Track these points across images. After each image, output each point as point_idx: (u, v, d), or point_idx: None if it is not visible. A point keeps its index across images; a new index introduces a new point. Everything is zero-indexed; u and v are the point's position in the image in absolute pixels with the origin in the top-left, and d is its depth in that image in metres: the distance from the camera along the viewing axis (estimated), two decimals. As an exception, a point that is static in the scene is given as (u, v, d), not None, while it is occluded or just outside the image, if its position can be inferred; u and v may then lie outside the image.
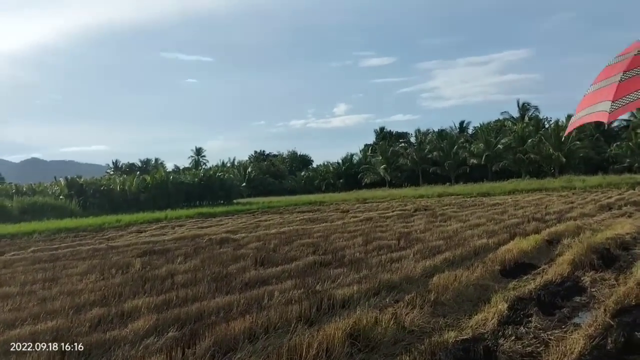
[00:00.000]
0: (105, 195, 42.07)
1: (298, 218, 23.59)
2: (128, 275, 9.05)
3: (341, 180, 69.56)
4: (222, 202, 47.13)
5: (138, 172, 54.61)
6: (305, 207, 36.24)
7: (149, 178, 43.59)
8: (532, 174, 52.60)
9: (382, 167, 64.70)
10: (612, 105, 2.80)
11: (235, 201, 48.87)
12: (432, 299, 5.83)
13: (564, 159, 50.83)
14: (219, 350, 4.57)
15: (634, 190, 31.02)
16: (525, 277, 7.37)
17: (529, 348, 4.35)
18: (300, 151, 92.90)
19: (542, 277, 7.04)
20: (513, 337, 4.56)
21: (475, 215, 18.54)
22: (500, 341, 4.48)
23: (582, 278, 6.87)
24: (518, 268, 7.95)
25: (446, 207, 24.77)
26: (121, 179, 46.53)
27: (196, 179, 46.84)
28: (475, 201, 29.35)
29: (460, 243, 10.55)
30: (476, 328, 4.91)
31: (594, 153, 53.54)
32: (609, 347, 4.14)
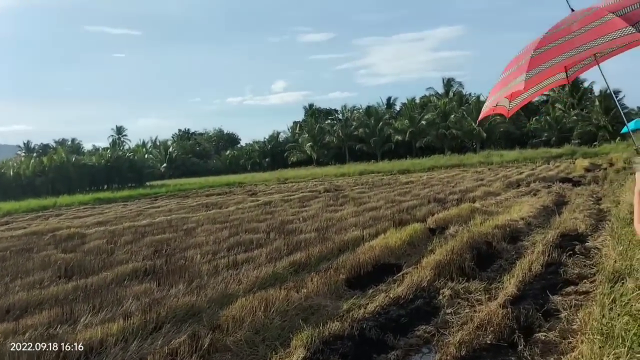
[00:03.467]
0: (-5, 180, 37.69)
1: (195, 203, 21.39)
2: None
3: (267, 160, 67.11)
4: (132, 185, 43.71)
5: (35, 154, 49.68)
6: (218, 189, 33.97)
7: (45, 160, 39.41)
8: (455, 150, 52.44)
9: (308, 144, 62.82)
10: (527, 75, 2.72)
11: (148, 183, 45.51)
12: (205, 344, 3.89)
13: (484, 134, 50.96)
14: None
15: (548, 164, 30.93)
16: (377, 288, 5.60)
17: None
18: (234, 129, 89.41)
19: (393, 290, 5.29)
20: None
21: (378, 196, 17.00)
22: None
23: (441, 290, 5.17)
24: (375, 273, 6.21)
25: (356, 187, 23.27)
26: (17, 162, 42.02)
27: (102, 161, 43.00)
28: (391, 179, 28.11)
29: (330, 237, 8.74)
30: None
31: (514, 128, 54.06)
32: None
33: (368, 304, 4.92)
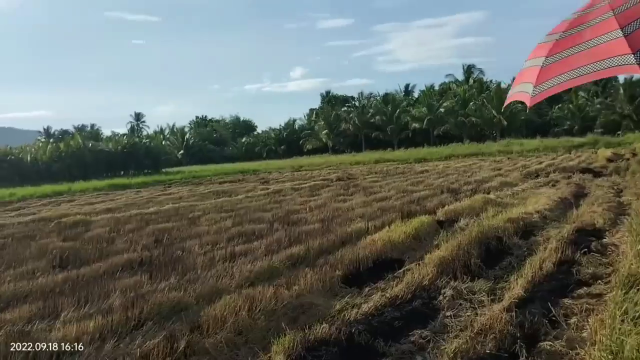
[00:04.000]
0: (14, 165, 38.17)
1: (206, 191, 21.23)
2: None
3: (282, 147, 66.88)
4: (148, 171, 43.89)
5: (51, 140, 50.15)
6: (232, 176, 33.87)
7: (62, 146, 39.74)
8: (474, 138, 51.48)
9: (324, 132, 62.37)
10: (534, 90, 2.49)
11: (164, 170, 45.70)
12: (181, 346, 3.62)
13: (505, 123, 49.92)
14: None
15: (569, 154, 30.08)
16: (374, 286, 5.29)
17: None
18: (251, 117, 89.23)
19: (391, 288, 4.96)
20: None
21: (390, 186, 16.61)
22: None
23: (443, 290, 4.83)
24: (375, 269, 5.88)
25: (369, 176, 22.87)
26: (34, 147, 42.50)
27: (119, 147, 43.21)
28: (406, 168, 27.65)
29: (333, 229, 8.42)
30: None
31: (536, 116, 52.84)
32: None
33: (362, 303, 4.60)
